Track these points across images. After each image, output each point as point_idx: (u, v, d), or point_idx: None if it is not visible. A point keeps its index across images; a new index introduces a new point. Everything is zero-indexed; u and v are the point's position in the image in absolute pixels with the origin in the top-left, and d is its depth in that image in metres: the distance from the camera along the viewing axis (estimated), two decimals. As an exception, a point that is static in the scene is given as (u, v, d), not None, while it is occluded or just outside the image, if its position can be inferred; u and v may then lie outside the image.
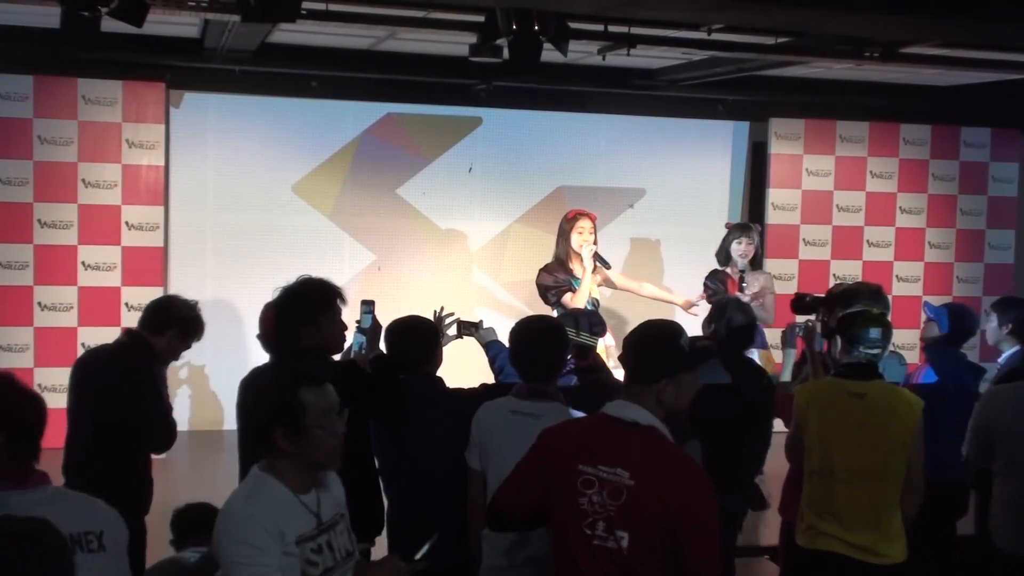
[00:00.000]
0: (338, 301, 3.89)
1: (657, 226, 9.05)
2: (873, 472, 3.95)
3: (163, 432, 4.36)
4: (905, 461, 3.96)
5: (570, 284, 6.48)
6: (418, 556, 2.88)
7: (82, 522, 2.51)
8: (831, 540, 3.99)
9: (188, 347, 4.54)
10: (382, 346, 4.26)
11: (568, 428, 3.13)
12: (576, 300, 6.40)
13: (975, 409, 4.55)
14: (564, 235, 6.59)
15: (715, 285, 6.94)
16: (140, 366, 4.28)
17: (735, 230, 7.06)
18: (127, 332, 4.45)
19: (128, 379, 4.23)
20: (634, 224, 8.93)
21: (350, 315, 4.07)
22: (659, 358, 3.01)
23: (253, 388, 2.99)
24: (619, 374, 6.48)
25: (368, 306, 4.37)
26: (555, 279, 6.48)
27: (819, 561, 4.02)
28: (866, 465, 3.95)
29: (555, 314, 6.00)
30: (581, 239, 6.52)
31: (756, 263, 7.04)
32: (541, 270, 6.58)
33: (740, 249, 6.91)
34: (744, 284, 6.68)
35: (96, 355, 4.49)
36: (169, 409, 4.42)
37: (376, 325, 4.33)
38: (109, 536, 2.55)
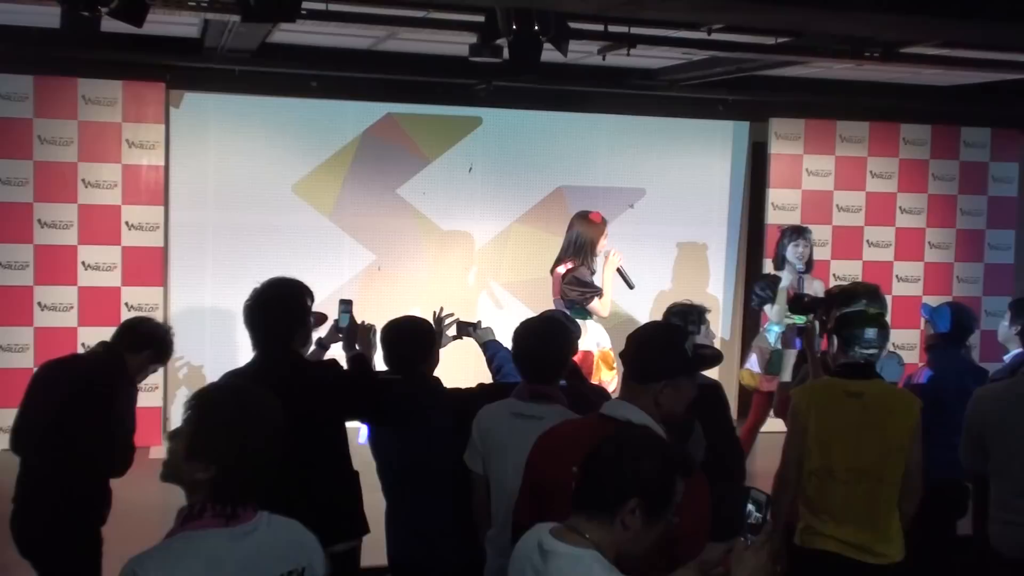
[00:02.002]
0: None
1: (657, 226, 9.04)
2: (871, 472, 3.95)
3: (119, 456, 4.26)
4: (903, 461, 3.96)
5: (599, 289, 6.45)
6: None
7: (286, 560, 2.40)
8: (829, 540, 3.99)
9: (156, 370, 4.55)
10: (377, 345, 4.25)
11: (560, 431, 3.13)
12: (603, 307, 6.37)
13: (966, 411, 4.50)
14: (590, 239, 6.51)
15: (764, 293, 6.99)
16: (111, 382, 4.23)
17: (791, 233, 7.11)
18: (104, 346, 4.39)
19: (97, 393, 4.18)
20: (634, 224, 8.92)
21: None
22: (661, 359, 3.02)
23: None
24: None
25: (346, 305, 4.35)
26: (590, 281, 6.41)
27: (817, 561, 4.02)
28: (864, 465, 3.95)
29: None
30: (604, 243, 6.55)
31: (809, 267, 7.07)
32: (573, 269, 6.45)
33: (797, 252, 6.99)
34: (803, 288, 6.76)
35: (72, 364, 4.43)
36: (130, 432, 4.32)
37: (354, 324, 4.33)
38: (309, 572, 2.45)
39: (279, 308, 3.85)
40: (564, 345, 3.84)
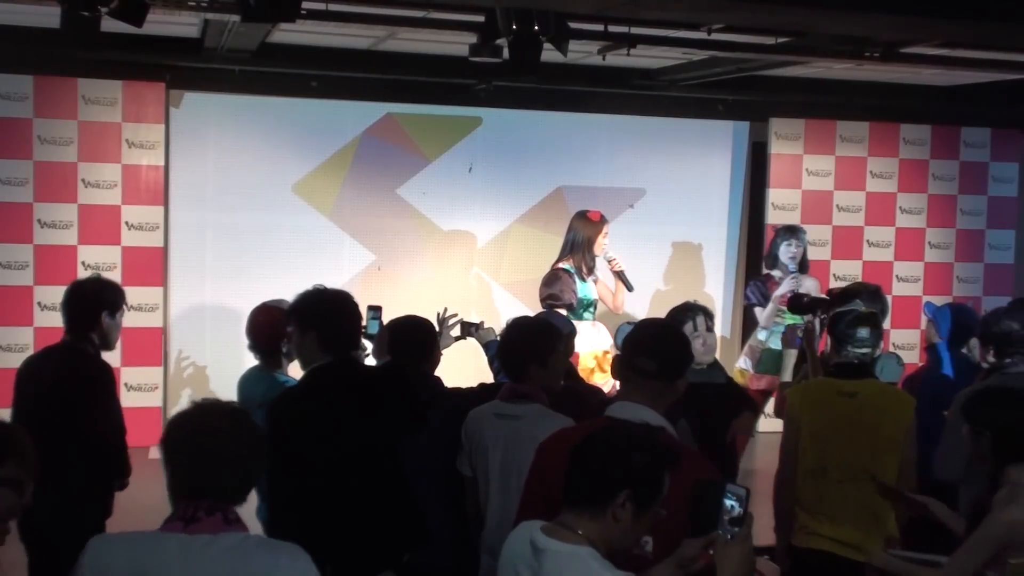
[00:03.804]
0: None
1: (657, 226, 9.04)
2: (866, 471, 3.95)
3: (120, 461, 4.25)
4: (897, 460, 3.96)
5: (572, 299, 6.37)
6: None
7: None
8: (824, 539, 4.00)
9: (119, 322, 4.42)
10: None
11: (565, 435, 3.04)
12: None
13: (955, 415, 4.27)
14: (587, 237, 6.51)
15: (754, 297, 7.04)
16: (94, 375, 4.21)
17: (784, 232, 7.14)
18: (68, 335, 4.31)
19: (88, 391, 4.17)
20: (634, 224, 8.92)
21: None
22: (687, 353, 3.04)
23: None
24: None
25: (375, 312, 4.32)
26: (559, 289, 6.34)
27: (813, 560, 4.02)
28: (859, 464, 3.95)
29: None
30: (604, 242, 6.55)
31: (803, 268, 7.08)
32: (557, 271, 6.47)
33: (790, 252, 7.00)
34: (800, 287, 6.78)
35: (46, 356, 4.38)
36: (122, 433, 4.28)
37: (383, 331, 4.30)
38: None
39: (357, 314, 3.77)
40: (543, 343, 3.79)
